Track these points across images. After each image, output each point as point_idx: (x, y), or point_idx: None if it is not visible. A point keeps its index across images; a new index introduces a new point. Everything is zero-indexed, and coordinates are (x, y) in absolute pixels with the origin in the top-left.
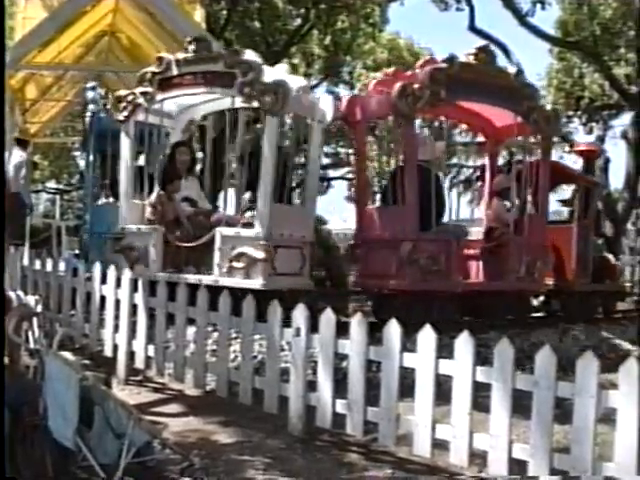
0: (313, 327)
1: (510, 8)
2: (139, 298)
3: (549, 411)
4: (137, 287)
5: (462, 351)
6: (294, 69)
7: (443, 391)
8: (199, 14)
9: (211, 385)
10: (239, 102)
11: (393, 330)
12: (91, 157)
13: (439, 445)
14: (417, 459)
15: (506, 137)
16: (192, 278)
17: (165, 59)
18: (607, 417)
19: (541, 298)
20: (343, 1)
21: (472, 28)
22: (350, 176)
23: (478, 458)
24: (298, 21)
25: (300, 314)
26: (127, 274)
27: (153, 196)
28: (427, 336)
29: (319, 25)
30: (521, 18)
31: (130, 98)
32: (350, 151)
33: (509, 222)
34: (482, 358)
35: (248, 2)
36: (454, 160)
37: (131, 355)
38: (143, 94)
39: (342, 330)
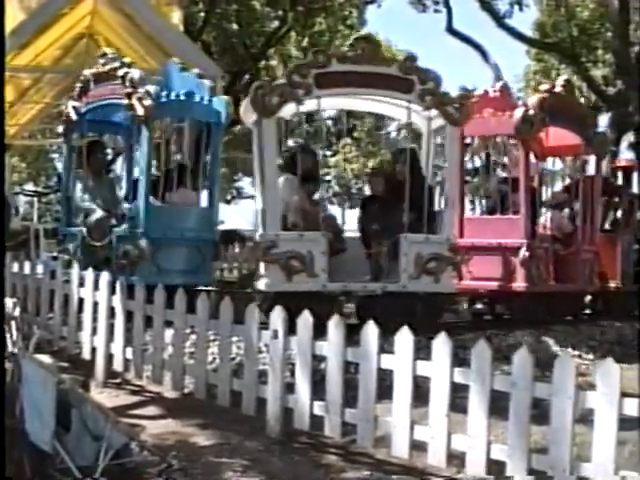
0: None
1: (488, 10)
2: (117, 300)
3: (527, 412)
4: (115, 289)
5: (440, 352)
6: (272, 71)
7: (421, 392)
8: (177, 16)
9: (189, 387)
10: (416, 108)
11: (370, 332)
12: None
13: (417, 446)
14: (395, 460)
15: (567, 154)
16: (373, 287)
17: (324, 52)
18: (585, 418)
19: (588, 297)
20: (321, 3)
21: (450, 30)
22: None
23: (456, 459)
24: (276, 23)
25: (277, 316)
26: (105, 276)
27: (295, 198)
28: (404, 338)
29: (297, 27)
30: (499, 20)
31: (279, 91)
32: (328, 153)
33: (567, 232)
34: (460, 359)
35: (226, 4)
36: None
37: (109, 358)
38: (296, 86)
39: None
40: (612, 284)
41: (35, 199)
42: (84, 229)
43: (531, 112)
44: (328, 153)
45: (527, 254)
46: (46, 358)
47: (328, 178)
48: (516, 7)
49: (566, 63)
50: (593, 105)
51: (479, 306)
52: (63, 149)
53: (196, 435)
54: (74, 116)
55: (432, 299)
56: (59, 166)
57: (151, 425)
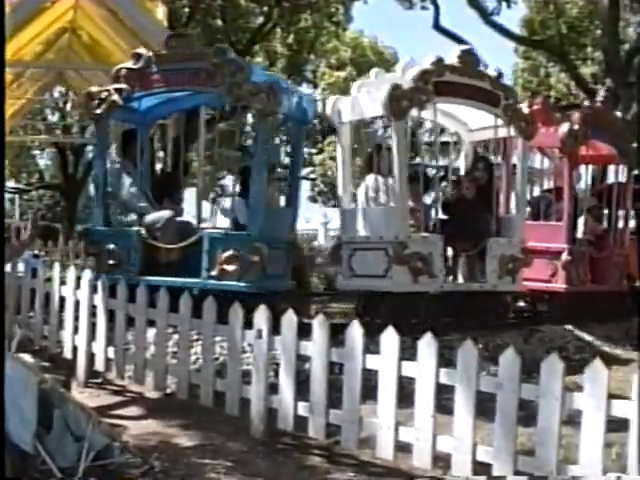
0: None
1: (475, 7)
2: (99, 299)
3: (513, 413)
4: (97, 288)
5: (425, 353)
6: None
7: (406, 393)
8: (161, 11)
9: (172, 387)
10: (499, 122)
11: (355, 332)
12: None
13: (402, 448)
14: (380, 462)
15: (602, 163)
16: (475, 286)
17: (442, 61)
18: (572, 419)
19: (611, 295)
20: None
21: (437, 27)
22: (313, 176)
23: (441, 461)
24: (261, 19)
25: (261, 316)
26: (87, 275)
27: (409, 201)
28: (390, 338)
29: (282, 23)
30: (486, 17)
31: (410, 96)
32: (313, 151)
33: (598, 235)
34: (446, 360)
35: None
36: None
37: (91, 357)
38: (421, 92)
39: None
40: (638, 284)
41: (16, 196)
42: (142, 229)
43: (576, 127)
44: (313, 151)
45: (569, 258)
46: (27, 357)
47: (313, 176)
48: (504, 4)
49: (554, 61)
50: (581, 103)
51: (521, 304)
52: (97, 139)
53: (178, 436)
54: (119, 101)
55: (504, 297)
56: (41, 163)
57: (133, 425)
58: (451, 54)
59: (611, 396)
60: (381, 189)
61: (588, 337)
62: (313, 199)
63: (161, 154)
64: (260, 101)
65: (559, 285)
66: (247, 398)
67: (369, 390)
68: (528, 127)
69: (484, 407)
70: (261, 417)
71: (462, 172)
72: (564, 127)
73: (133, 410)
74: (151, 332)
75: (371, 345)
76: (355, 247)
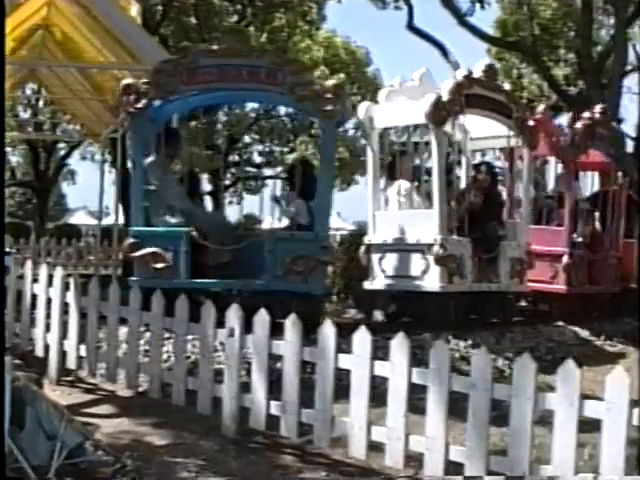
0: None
1: (449, 7)
2: (71, 297)
3: (485, 413)
4: (69, 286)
5: (398, 353)
6: None
7: (379, 393)
8: (135, 9)
9: (144, 386)
10: (505, 132)
11: (328, 331)
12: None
13: (374, 447)
14: (352, 461)
15: (597, 170)
16: (494, 287)
17: (472, 74)
18: (544, 419)
19: (607, 295)
20: None
21: (410, 27)
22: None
23: (414, 460)
24: (234, 18)
25: (233, 314)
26: (59, 272)
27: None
28: (362, 337)
29: (256, 22)
30: (460, 17)
31: (448, 107)
32: (284, 150)
33: (591, 239)
34: (418, 360)
35: None
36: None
37: (63, 355)
38: (456, 103)
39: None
40: (632, 285)
41: None
42: (192, 230)
43: (578, 138)
44: (285, 150)
45: (569, 261)
46: None
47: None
48: (478, 5)
49: (527, 62)
50: (554, 105)
51: (523, 304)
52: (134, 134)
53: (151, 434)
54: (161, 96)
55: (511, 298)
56: (13, 160)
57: (105, 424)
58: (476, 68)
59: (584, 396)
60: (414, 193)
61: (587, 334)
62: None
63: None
64: (326, 103)
65: (560, 286)
66: (219, 397)
67: (342, 389)
68: (533, 137)
69: (457, 407)
70: (233, 416)
71: (462, 178)
72: (567, 138)
73: (105, 408)
74: (123, 330)
75: (344, 344)
76: (386, 249)
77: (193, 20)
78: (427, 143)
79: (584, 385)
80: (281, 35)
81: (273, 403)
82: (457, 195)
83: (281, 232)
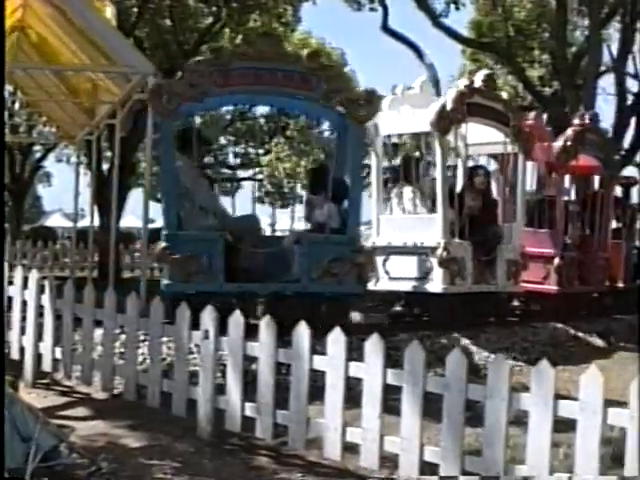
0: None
1: (424, 9)
2: (46, 300)
3: (460, 414)
4: (44, 289)
5: (372, 354)
6: None
7: (354, 394)
8: (110, 11)
9: (119, 388)
10: (501, 138)
11: (302, 332)
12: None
13: (349, 448)
14: (327, 462)
15: (587, 174)
16: (493, 288)
17: (473, 84)
18: (519, 419)
19: (595, 295)
20: (256, 0)
21: (385, 28)
22: (260, 177)
23: (389, 461)
24: (210, 19)
25: (208, 316)
26: (34, 275)
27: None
28: (337, 338)
29: (231, 24)
30: (435, 19)
31: (451, 115)
32: (260, 151)
33: (579, 239)
34: (393, 361)
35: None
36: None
37: (38, 358)
38: (458, 112)
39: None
40: (619, 284)
41: None
42: (226, 234)
43: (569, 144)
44: (260, 151)
45: (560, 262)
46: None
47: (260, 177)
48: (452, 6)
49: (502, 63)
50: (529, 105)
51: (516, 303)
52: (165, 135)
53: (126, 436)
54: (194, 96)
55: (505, 297)
56: None
57: (80, 426)
58: (476, 78)
59: (559, 396)
60: (417, 198)
61: (579, 333)
62: (260, 200)
63: (108, 154)
64: (359, 108)
65: (551, 287)
66: (194, 399)
67: (317, 391)
68: (528, 144)
69: (431, 408)
70: (208, 418)
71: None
72: (559, 143)
73: (81, 411)
74: (98, 332)
75: (319, 346)
76: (390, 252)
77: (168, 22)
78: (429, 148)
79: (560, 385)
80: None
81: (248, 405)
82: (457, 198)
83: (316, 235)
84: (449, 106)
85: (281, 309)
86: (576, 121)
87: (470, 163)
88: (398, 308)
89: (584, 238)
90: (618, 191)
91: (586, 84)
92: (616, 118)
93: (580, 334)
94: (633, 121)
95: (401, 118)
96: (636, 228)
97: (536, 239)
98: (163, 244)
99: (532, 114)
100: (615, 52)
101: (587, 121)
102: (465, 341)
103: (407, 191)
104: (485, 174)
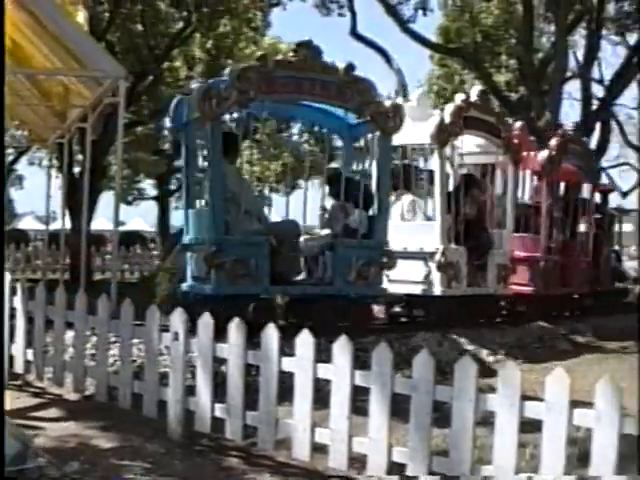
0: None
1: (392, 14)
2: (18, 301)
3: (427, 415)
4: (16, 290)
5: (340, 355)
6: (175, 73)
7: (322, 395)
8: (82, 15)
9: (90, 389)
10: (491, 149)
11: (271, 334)
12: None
13: (318, 449)
14: (296, 463)
15: (569, 181)
16: (484, 291)
17: (469, 98)
18: (486, 420)
19: (575, 296)
20: (225, 5)
21: (354, 33)
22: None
23: (357, 462)
24: (180, 24)
25: (178, 318)
26: (7, 277)
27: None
28: (305, 340)
29: (201, 29)
30: (403, 24)
31: (449, 128)
32: None
33: (561, 244)
34: (361, 362)
35: (131, 4)
36: (334, 164)
37: (10, 359)
38: (456, 125)
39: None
40: (598, 286)
41: None
42: (272, 238)
43: (554, 153)
44: None
45: (545, 265)
46: None
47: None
48: (420, 12)
49: (469, 68)
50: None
51: (504, 304)
52: (214, 139)
53: (97, 437)
54: (242, 102)
55: (494, 300)
56: None
57: (52, 428)
58: (472, 92)
59: (525, 397)
60: (417, 206)
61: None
62: None
63: (79, 157)
64: (387, 120)
65: (537, 289)
66: (165, 400)
67: (286, 392)
68: (517, 155)
69: (399, 408)
70: (178, 419)
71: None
72: (544, 153)
73: (53, 412)
74: (70, 334)
75: (287, 347)
76: None
77: (139, 26)
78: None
79: (527, 386)
80: (226, 41)
81: (218, 406)
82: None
83: (350, 240)
84: (448, 120)
85: (314, 311)
86: (560, 131)
87: (462, 172)
88: (398, 309)
89: (567, 243)
90: (597, 197)
91: (552, 89)
92: (581, 123)
93: (564, 332)
94: (598, 126)
95: (402, 130)
96: (614, 233)
97: (523, 243)
98: (212, 248)
99: (518, 124)
100: (581, 58)
101: (570, 132)
102: (462, 340)
103: (406, 198)
104: (479, 186)
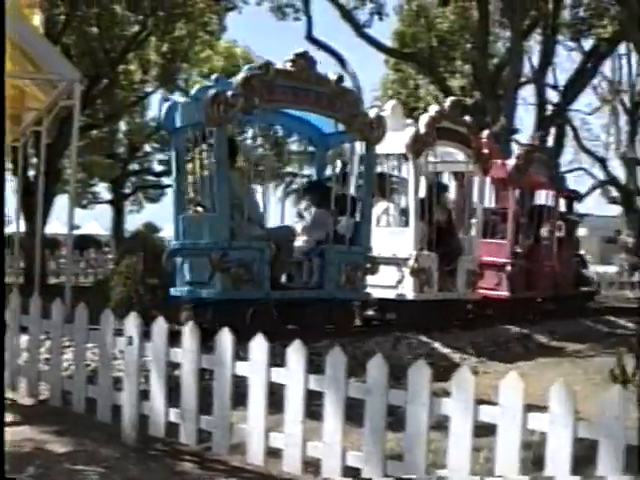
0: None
1: (348, 19)
2: None
3: (382, 419)
4: None
5: (294, 359)
6: (130, 76)
7: (277, 399)
8: (38, 18)
9: (44, 394)
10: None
11: (225, 338)
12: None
13: (273, 453)
14: (251, 467)
15: (536, 189)
16: (454, 295)
17: (443, 109)
18: (440, 424)
19: (539, 299)
20: (181, 9)
21: (309, 37)
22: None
23: (312, 466)
24: (136, 28)
25: (132, 323)
26: None
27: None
28: (259, 344)
29: (157, 32)
30: (359, 29)
31: (423, 138)
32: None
33: (527, 249)
34: (315, 366)
35: (87, 7)
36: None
37: None
38: (429, 136)
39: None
40: (561, 291)
41: None
42: (272, 244)
43: (521, 162)
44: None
45: (511, 269)
46: None
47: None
48: (376, 17)
49: (424, 73)
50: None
51: (472, 307)
52: (220, 145)
53: (52, 442)
54: (246, 108)
55: (463, 304)
56: None
57: (6, 433)
58: (444, 104)
59: (479, 401)
60: (391, 213)
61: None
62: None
63: (34, 160)
64: (372, 131)
65: (503, 292)
66: (119, 405)
67: (240, 396)
68: (487, 164)
69: (354, 413)
70: (133, 424)
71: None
72: (511, 162)
73: (7, 417)
74: (24, 338)
75: (242, 351)
76: None
77: (95, 29)
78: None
79: (481, 390)
80: (182, 45)
81: (172, 410)
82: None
83: (340, 246)
84: (422, 130)
85: (307, 315)
86: (526, 142)
87: (433, 180)
88: (371, 312)
89: (532, 248)
90: (562, 204)
91: (507, 94)
92: (536, 128)
93: (528, 333)
94: (553, 131)
95: None
96: (577, 238)
97: (490, 249)
98: (220, 253)
99: (485, 133)
100: (536, 63)
101: (536, 142)
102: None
103: (381, 205)
104: (444, 190)
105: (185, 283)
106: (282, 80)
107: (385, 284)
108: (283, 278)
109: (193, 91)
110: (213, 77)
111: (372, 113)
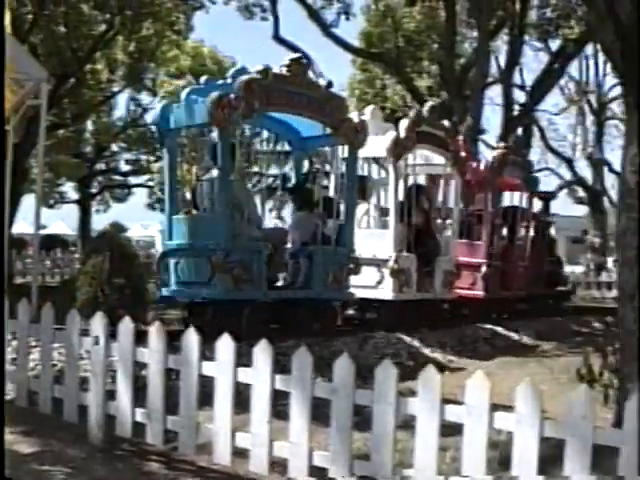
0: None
1: (315, 18)
2: None
3: (348, 418)
4: None
5: (260, 359)
6: (97, 75)
7: (243, 399)
8: (5, 17)
9: (11, 394)
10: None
11: (192, 338)
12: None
13: (239, 453)
14: (217, 467)
15: (510, 190)
16: (431, 296)
17: (421, 113)
18: (407, 424)
19: (513, 300)
20: (149, 8)
21: (277, 37)
22: (151, 184)
23: (278, 466)
24: (103, 27)
25: (98, 323)
26: None
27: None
28: (225, 344)
29: (124, 31)
30: (326, 29)
31: (406, 142)
32: (151, 158)
33: (501, 250)
34: (282, 366)
35: (54, 6)
36: (256, 168)
37: None
38: (409, 140)
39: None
40: (534, 290)
41: None
42: (270, 244)
43: (495, 165)
44: (152, 158)
45: (486, 270)
46: None
47: (151, 184)
48: (343, 17)
49: (391, 73)
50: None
51: (448, 307)
52: (224, 147)
53: (18, 442)
54: (248, 112)
55: (440, 304)
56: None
57: None
58: (424, 108)
59: (446, 401)
60: (371, 215)
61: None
62: (151, 206)
63: None
64: (356, 135)
65: (479, 292)
66: (85, 405)
67: (206, 396)
68: (464, 167)
69: (320, 412)
70: (99, 424)
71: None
72: (486, 164)
73: None
74: None
75: (208, 351)
76: None
77: (62, 29)
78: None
79: (448, 389)
80: (149, 44)
81: (139, 410)
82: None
83: (328, 248)
84: (402, 134)
85: (298, 314)
86: (501, 144)
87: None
88: (351, 312)
89: (506, 248)
90: (538, 204)
91: (474, 94)
92: (503, 128)
93: (499, 332)
94: (520, 131)
95: None
96: (553, 238)
97: (466, 249)
98: (222, 254)
99: (461, 137)
100: (503, 63)
101: (511, 144)
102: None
103: (362, 207)
104: (422, 192)
105: (179, 283)
106: (278, 85)
107: (365, 284)
108: (279, 278)
109: (183, 94)
110: (202, 79)
111: (355, 118)
